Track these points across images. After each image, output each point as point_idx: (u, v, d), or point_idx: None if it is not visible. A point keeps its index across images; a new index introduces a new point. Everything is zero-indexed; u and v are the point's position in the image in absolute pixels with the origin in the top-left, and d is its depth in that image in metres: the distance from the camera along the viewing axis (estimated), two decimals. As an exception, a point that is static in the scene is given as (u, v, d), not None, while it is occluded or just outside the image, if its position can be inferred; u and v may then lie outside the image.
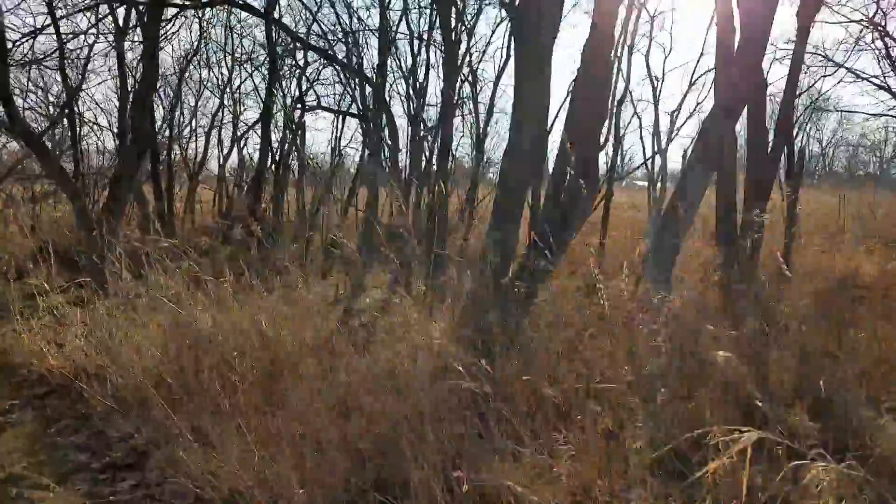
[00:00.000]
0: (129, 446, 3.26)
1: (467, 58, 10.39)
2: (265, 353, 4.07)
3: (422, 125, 9.60)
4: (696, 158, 5.64)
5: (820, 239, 9.38)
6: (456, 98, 6.82)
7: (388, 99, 9.08)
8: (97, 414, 3.59)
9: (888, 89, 10.71)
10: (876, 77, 11.41)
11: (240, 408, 3.19)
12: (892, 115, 12.46)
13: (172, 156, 13.35)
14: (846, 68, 11.21)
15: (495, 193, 4.37)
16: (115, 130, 12.86)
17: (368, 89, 9.33)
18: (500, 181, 4.34)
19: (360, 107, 8.45)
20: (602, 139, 7.19)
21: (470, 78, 8.66)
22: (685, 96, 18.61)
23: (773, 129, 8.17)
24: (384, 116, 7.34)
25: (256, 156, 12.14)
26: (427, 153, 8.69)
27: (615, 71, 8.51)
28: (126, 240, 6.19)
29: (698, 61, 17.65)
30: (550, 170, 4.87)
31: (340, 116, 12.53)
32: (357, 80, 9.64)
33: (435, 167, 7.20)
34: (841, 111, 21.19)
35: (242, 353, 3.86)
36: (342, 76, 9.74)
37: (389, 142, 6.52)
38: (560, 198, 4.64)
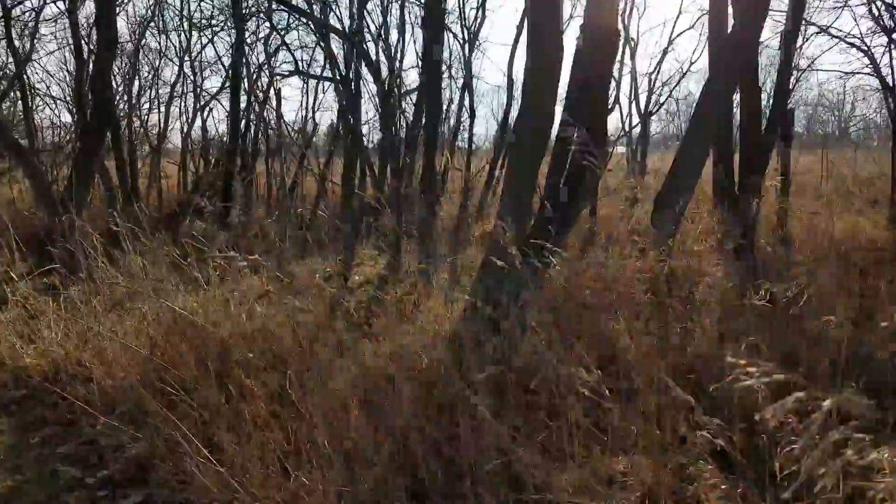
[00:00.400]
0: (127, 458, 2.90)
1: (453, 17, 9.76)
2: (266, 342, 3.73)
3: (396, 90, 9.11)
4: (694, 129, 5.48)
5: (805, 200, 9.29)
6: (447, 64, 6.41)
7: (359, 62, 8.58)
8: (85, 420, 3.21)
9: (868, 50, 10.56)
10: (855, 36, 11.30)
11: (254, 411, 2.86)
12: (865, 73, 12.37)
13: (132, 128, 12.64)
14: (827, 31, 11.04)
15: (509, 158, 4.05)
16: (70, 102, 12.15)
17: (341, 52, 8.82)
18: (514, 145, 4.01)
19: (340, 70, 7.96)
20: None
21: (461, 37, 7.88)
22: (663, 57, 18.20)
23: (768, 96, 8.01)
24: (373, 80, 6.86)
25: (221, 127, 11.50)
26: (409, 120, 8.23)
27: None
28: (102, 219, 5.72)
29: (677, 19, 17.34)
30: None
31: (311, 83, 11.96)
32: (328, 43, 9.09)
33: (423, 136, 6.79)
34: (818, 71, 21.18)
35: (244, 346, 3.53)
36: (318, 37, 9.16)
37: (380, 108, 6.09)
38: (566, 162, 4.35)
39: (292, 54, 11.37)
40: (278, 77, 10.92)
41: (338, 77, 7.89)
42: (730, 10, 6.54)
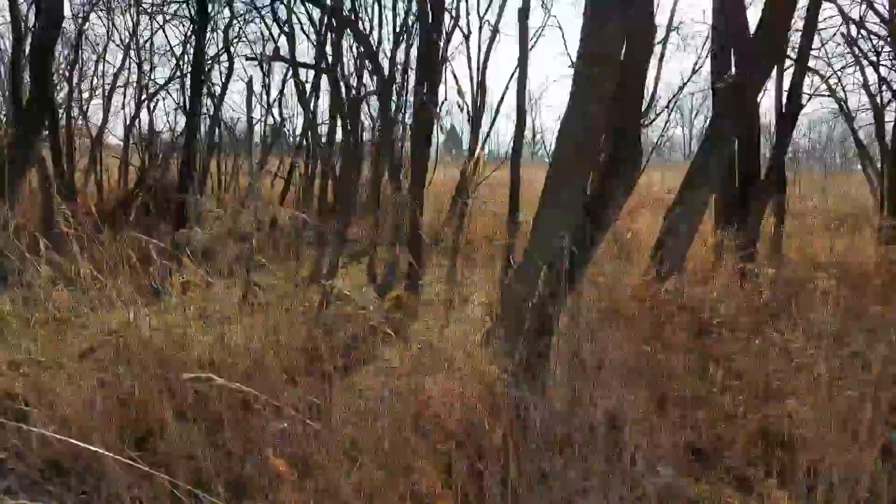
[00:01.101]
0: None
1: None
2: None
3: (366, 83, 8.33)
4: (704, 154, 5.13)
5: (795, 220, 9.06)
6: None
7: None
8: (21, 485, 2.43)
9: (829, 82, 10.44)
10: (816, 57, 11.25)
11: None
12: (824, 95, 12.40)
13: (71, 117, 11.53)
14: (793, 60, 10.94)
15: (550, 162, 3.47)
16: (6, 85, 11.05)
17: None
18: (556, 150, 3.42)
19: (330, 60, 7.24)
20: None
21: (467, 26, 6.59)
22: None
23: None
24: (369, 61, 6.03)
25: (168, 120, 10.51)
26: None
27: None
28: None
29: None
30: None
31: (274, 78, 11.15)
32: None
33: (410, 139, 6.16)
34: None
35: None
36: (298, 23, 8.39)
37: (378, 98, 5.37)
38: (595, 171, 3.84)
39: (274, 40, 10.57)
40: (253, 63, 10.10)
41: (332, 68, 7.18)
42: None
